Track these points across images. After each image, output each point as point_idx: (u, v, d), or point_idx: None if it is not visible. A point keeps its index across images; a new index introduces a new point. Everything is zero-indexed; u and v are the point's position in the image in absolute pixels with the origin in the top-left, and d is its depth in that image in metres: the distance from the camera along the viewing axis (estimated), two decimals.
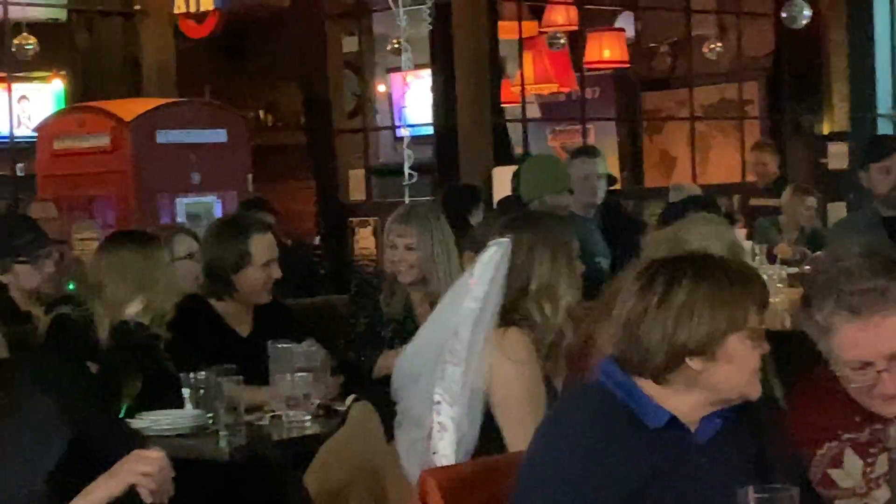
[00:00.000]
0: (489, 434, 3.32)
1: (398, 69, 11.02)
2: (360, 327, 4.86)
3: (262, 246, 4.73)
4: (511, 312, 3.41)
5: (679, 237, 3.85)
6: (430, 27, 7.30)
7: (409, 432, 3.36)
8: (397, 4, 7.05)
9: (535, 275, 3.46)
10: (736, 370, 2.53)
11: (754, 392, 2.56)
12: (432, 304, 4.81)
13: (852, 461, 2.69)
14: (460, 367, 3.29)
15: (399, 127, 11.16)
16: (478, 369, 3.31)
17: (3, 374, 2.76)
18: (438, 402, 3.30)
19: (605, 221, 6.80)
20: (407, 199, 6.83)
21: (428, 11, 7.15)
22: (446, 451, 3.28)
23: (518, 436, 3.18)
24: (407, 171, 7.06)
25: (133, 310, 4.33)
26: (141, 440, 3.38)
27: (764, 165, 9.68)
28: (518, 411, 3.26)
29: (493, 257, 3.36)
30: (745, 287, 2.55)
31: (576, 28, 12.54)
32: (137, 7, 11.02)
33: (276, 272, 4.76)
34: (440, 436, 3.29)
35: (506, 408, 3.32)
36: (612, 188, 7.50)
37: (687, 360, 2.52)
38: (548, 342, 3.47)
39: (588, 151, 6.99)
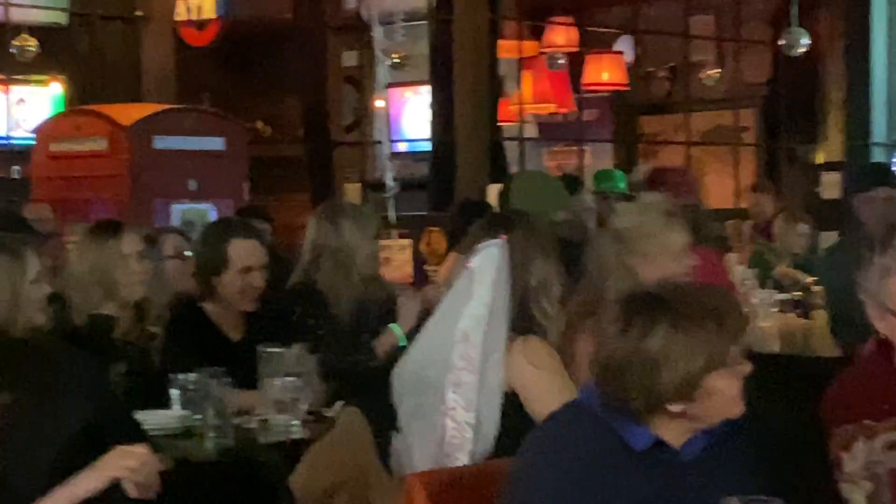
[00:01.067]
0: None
1: (397, 84, 11.08)
2: (337, 335, 4.86)
3: (240, 251, 4.66)
4: (522, 320, 3.44)
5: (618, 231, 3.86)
6: (403, 40, 7.32)
7: (424, 433, 3.37)
8: (374, 21, 7.13)
9: (533, 271, 3.49)
10: (716, 402, 2.53)
11: (736, 412, 2.56)
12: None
13: (861, 447, 2.68)
14: (475, 375, 3.31)
15: (395, 141, 11.20)
16: (495, 374, 3.32)
17: (40, 355, 2.80)
18: (453, 409, 3.31)
19: None
20: (393, 213, 6.87)
21: (403, 29, 7.20)
22: (462, 455, 3.30)
23: None
24: (389, 183, 7.10)
25: (95, 296, 4.31)
26: (144, 435, 3.39)
27: (760, 206, 9.73)
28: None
29: (491, 259, 3.37)
30: (723, 323, 2.53)
31: (576, 49, 12.60)
32: (139, 13, 11.05)
33: (258, 280, 4.66)
34: (456, 441, 3.31)
35: (542, 412, 3.34)
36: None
37: (667, 405, 2.52)
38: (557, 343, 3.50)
39: (569, 186, 6.90)
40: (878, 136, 10.68)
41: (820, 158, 12.07)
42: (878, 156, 10.27)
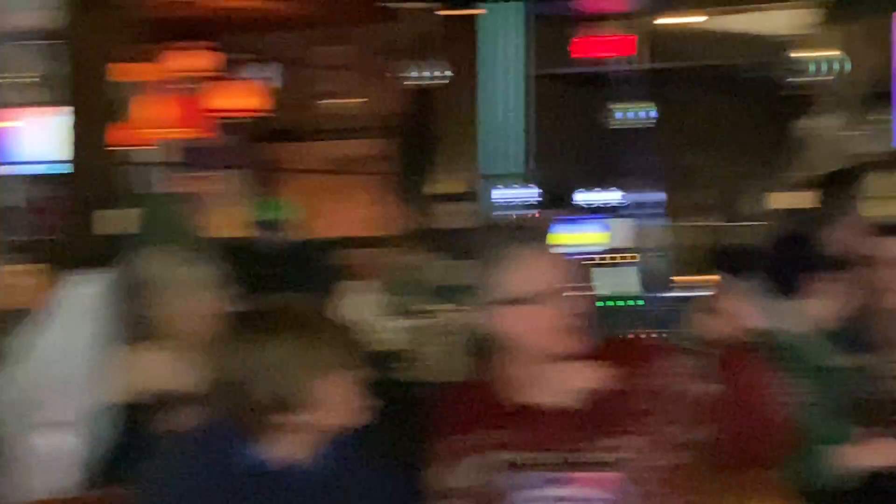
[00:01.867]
0: None
1: (16, 105, 10.75)
2: None
3: None
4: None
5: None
6: (12, 60, 7.16)
7: (28, 457, 3.31)
8: None
9: (140, 295, 3.48)
10: (331, 409, 2.57)
11: (356, 419, 2.61)
12: None
13: (454, 466, 2.70)
14: (84, 389, 3.31)
15: (12, 164, 10.87)
16: (102, 392, 3.31)
17: None
18: (61, 424, 3.30)
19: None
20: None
21: (16, 48, 7.03)
22: (71, 470, 3.27)
23: None
24: None
25: None
26: None
27: (389, 219, 10.02)
28: None
29: (94, 287, 3.36)
30: (332, 330, 2.60)
31: (209, 74, 12.56)
32: None
33: None
34: (63, 459, 3.28)
35: None
36: None
37: (286, 417, 2.54)
38: None
39: None
40: (484, 168, 11.25)
41: (439, 189, 12.49)
42: (486, 188, 10.89)
